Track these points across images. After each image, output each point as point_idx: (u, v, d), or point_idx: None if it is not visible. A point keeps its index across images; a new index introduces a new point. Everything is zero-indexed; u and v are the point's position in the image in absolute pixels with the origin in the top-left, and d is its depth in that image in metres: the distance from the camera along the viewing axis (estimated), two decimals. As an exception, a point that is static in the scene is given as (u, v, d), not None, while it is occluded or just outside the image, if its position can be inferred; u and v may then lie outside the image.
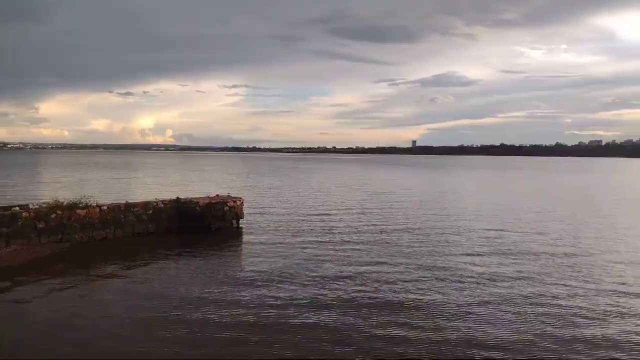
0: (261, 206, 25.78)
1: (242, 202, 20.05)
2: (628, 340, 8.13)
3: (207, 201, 19.23)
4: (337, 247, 15.19)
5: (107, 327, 8.60)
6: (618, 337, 8.26)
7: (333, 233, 17.80)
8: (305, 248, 15.07)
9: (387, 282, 11.37)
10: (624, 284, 11.42)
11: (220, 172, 68.87)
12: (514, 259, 13.89)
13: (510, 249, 15.15)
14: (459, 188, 43.82)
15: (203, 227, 18.32)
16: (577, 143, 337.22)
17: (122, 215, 17.15)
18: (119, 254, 14.49)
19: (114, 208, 17.19)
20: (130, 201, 18.31)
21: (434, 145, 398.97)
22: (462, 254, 14.41)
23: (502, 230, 18.79)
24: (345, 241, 16.23)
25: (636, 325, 8.82)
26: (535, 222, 21.29)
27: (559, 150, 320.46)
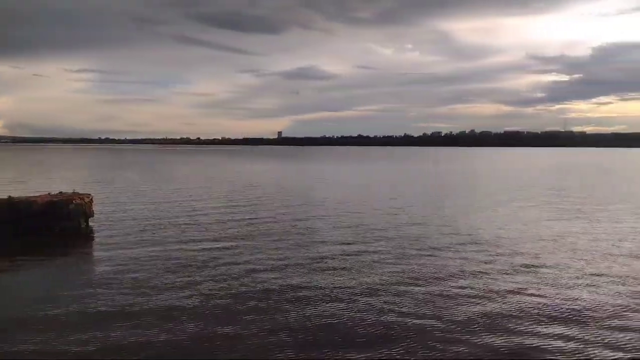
0: (117, 203, 23.43)
1: (92, 199, 17.89)
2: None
3: (47, 199, 16.71)
4: (201, 246, 14.34)
5: None
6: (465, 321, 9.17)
7: (198, 230, 16.81)
8: (166, 249, 13.83)
9: (254, 281, 11.07)
10: (464, 259, 12.81)
11: (66, 166, 61.26)
12: (376, 244, 14.68)
13: (378, 235, 16.00)
14: (329, 178, 45.48)
15: (44, 229, 15.87)
16: (421, 134, 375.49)
17: None
18: None
19: None
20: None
21: (299, 136, 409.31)
22: (334, 243, 14.79)
23: (363, 215, 19.90)
24: (211, 239, 15.41)
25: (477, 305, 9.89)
26: (396, 207, 22.97)
27: (406, 140, 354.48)
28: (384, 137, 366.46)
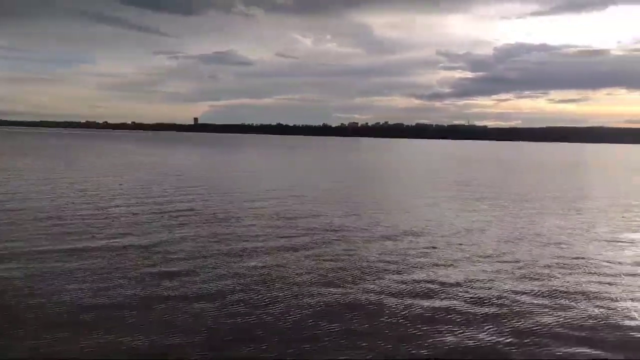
0: (10, 193, 21.27)
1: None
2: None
3: None
4: (105, 245, 13.48)
5: None
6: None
7: (108, 224, 15.75)
8: (65, 249, 12.79)
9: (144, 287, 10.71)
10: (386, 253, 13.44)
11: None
12: (295, 232, 14.84)
13: (299, 225, 16.17)
14: (252, 167, 44.86)
15: None
16: (339, 124, 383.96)
17: None
18: None
19: None
20: None
21: (217, 123, 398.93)
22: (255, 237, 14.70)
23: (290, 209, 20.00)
24: (117, 234, 14.48)
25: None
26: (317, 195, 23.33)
27: (325, 130, 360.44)
28: (303, 126, 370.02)
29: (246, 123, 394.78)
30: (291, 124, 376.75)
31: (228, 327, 7.78)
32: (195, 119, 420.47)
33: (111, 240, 13.14)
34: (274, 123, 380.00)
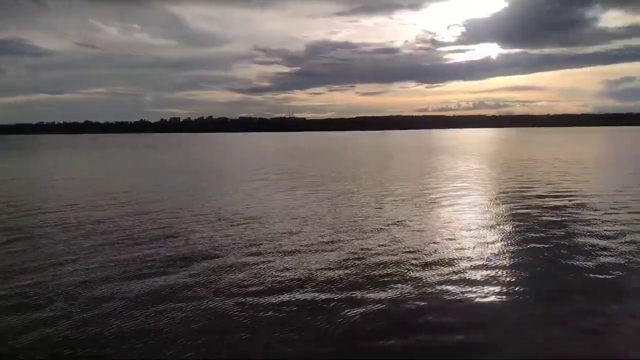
0: None
1: None
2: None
3: None
4: None
5: None
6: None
7: None
8: None
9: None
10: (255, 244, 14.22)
11: None
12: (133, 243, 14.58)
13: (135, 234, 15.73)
14: (60, 174, 39.93)
15: None
16: (159, 120, 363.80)
17: None
18: None
19: None
20: None
21: (8, 123, 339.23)
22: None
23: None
24: None
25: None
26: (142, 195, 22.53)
27: (143, 126, 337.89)
28: (117, 123, 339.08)
29: (46, 122, 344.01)
30: (102, 121, 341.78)
31: None
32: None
33: None
34: (81, 121, 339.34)
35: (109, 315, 8.32)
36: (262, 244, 13.08)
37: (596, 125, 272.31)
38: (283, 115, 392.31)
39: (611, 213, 16.55)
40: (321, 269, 10.78)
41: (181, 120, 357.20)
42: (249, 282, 9.96)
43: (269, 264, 11.22)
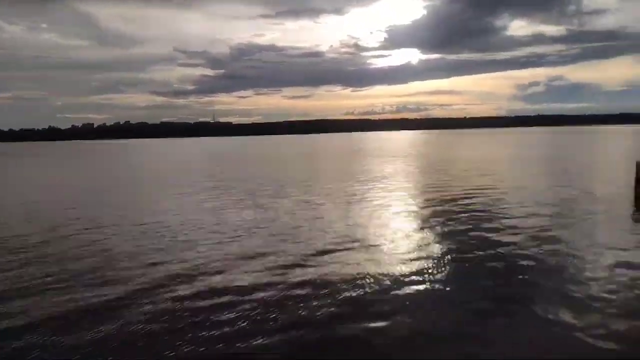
0: None
1: None
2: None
3: None
4: None
5: None
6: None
7: None
8: None
9: None
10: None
11: None
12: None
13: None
14: None
15: None
16: (70, 126, 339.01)
17: None
18: None
19: None
20: None
21: None
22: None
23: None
24: None
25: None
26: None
27: (52, 133, 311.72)
28: (22, 130, 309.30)
29: None
30: (6, 129, 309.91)
31: None
32: None
33: None
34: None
35: None
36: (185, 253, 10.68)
37: (510, 126, 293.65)
38: (208, 119, 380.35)
39: (517, 206, 17.95)
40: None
41: (95, 126, 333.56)
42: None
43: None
